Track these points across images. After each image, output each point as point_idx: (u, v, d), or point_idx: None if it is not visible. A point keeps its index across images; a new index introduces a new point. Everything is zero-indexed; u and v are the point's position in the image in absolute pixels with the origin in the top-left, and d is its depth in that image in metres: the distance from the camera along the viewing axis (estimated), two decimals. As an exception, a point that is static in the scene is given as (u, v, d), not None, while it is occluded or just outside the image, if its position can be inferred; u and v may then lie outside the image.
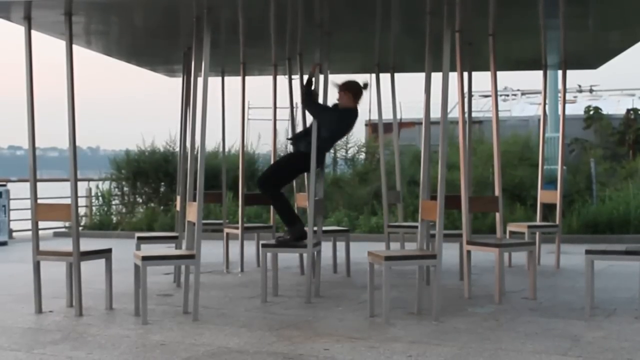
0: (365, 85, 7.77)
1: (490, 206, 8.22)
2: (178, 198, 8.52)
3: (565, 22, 7.87)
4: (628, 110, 17.73)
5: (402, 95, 10.10)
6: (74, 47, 7.03)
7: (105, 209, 16.81)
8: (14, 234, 14.78)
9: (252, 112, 19.86)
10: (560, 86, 10.58)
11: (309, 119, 7.74)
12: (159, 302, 7.25)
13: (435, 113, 6.85)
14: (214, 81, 9.56)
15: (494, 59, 8.16)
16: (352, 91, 7.67)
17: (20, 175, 15.73)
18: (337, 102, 7.73)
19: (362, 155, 17.83)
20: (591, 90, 25.66)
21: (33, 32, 7.00)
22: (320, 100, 7.66)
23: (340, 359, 5.11)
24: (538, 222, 9.99)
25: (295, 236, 7.46)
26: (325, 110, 7.64)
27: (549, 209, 10.43)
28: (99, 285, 7.29)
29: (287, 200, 7.78)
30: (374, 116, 14.81)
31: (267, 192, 7.68)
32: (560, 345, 5.40)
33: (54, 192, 12.29)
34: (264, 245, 7.44)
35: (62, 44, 6.96)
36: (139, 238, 8.76)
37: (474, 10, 7.25)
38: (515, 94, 26.36)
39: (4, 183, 14.53)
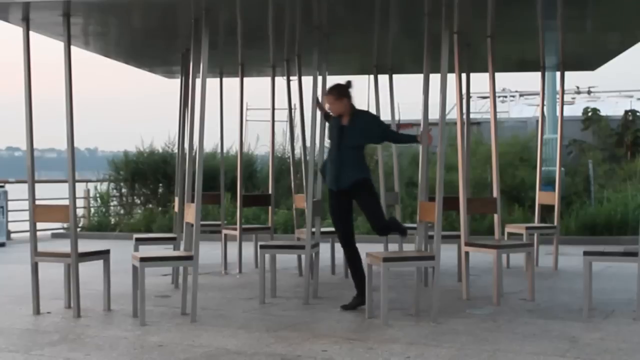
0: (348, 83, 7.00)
1: (489, 207, 8.21)
2: (176, 199, 8.52)
3: (564, 24, 7.87)
4: (626, 112, 17.74)
5: (400, 97, 10.10)
6: (72, 48, 7.03)
7: (104, 210, 16.82)
8: (12, 235, 14.77)
9: (250, 113, 19.89)
10: (558, 87, 10.59)
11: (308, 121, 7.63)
12: (157, 304, 7.25)
13: (434, 114, 6.85)
14: (212, 82, 9.57)
15: (492, 60, 8.16)
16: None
17: (19, 177, 15.72)
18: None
19: (361, 157, 17.76)
20: (589, 92, 25.67)
21: (31, 33, 6.99)
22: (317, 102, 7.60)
23: (338, 361, 5.11)
24: (536, 224, 9.99)
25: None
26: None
27: (547, 210, 10.42)
28: (97, 286, 7.28)
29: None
30: (373, 117, 14.77)
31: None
32: (558, 347, 5.40)
33: (52, 193, 12.26)
34: (262, 247, 7.44)
35: (60, 45, 6.96)
36: (137, 239, 8.76)
37: (472, 12, 7.26)
38: (514, 95, 26.35)
39: (2, 184, 14.52)
